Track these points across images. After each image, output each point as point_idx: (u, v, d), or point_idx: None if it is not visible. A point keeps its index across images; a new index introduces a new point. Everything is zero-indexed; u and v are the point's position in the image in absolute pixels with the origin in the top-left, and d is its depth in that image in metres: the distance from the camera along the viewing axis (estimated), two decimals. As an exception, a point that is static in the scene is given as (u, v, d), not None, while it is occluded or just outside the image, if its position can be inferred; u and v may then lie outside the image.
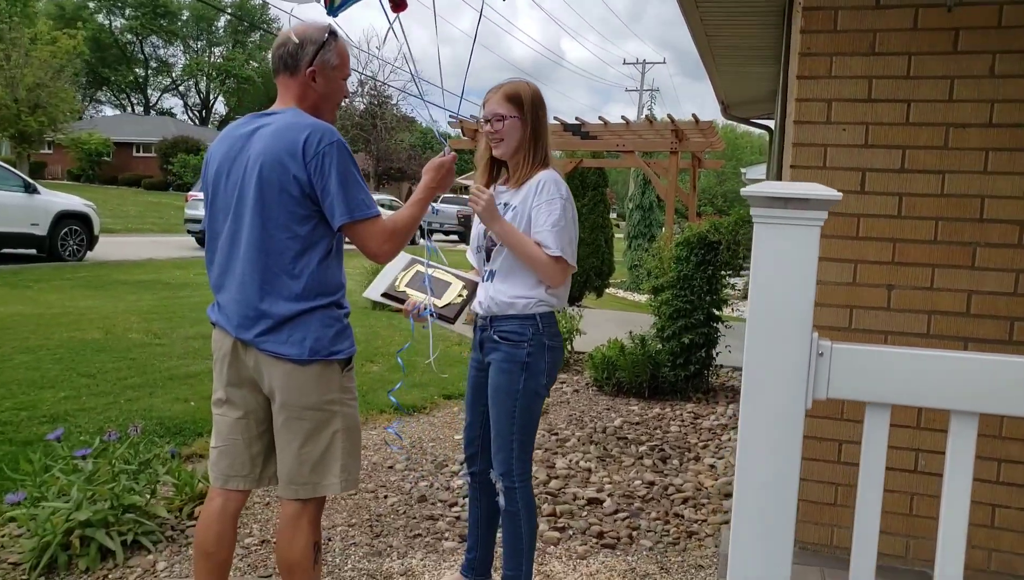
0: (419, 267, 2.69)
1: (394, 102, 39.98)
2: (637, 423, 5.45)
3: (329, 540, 3.36)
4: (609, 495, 4.06)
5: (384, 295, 2.62)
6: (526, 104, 2.40)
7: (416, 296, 2.59)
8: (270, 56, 2.20)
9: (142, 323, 7.73)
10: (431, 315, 2.55)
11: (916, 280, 2.39)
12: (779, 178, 5.58)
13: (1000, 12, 2.29)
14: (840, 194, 1.22)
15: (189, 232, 17.72)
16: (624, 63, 41.95)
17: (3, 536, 2.97)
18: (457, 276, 2.71)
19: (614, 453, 4.77)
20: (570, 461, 4.59)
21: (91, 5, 56.96)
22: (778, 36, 5.30)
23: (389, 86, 38.62)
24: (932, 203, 2.35)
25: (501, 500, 2.57)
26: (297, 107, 2.13)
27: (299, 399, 2.09)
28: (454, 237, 26.08)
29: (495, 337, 2.52)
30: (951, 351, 1.23)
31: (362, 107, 39.04)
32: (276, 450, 2.17)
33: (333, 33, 2.16)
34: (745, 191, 1.27)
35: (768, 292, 1.28)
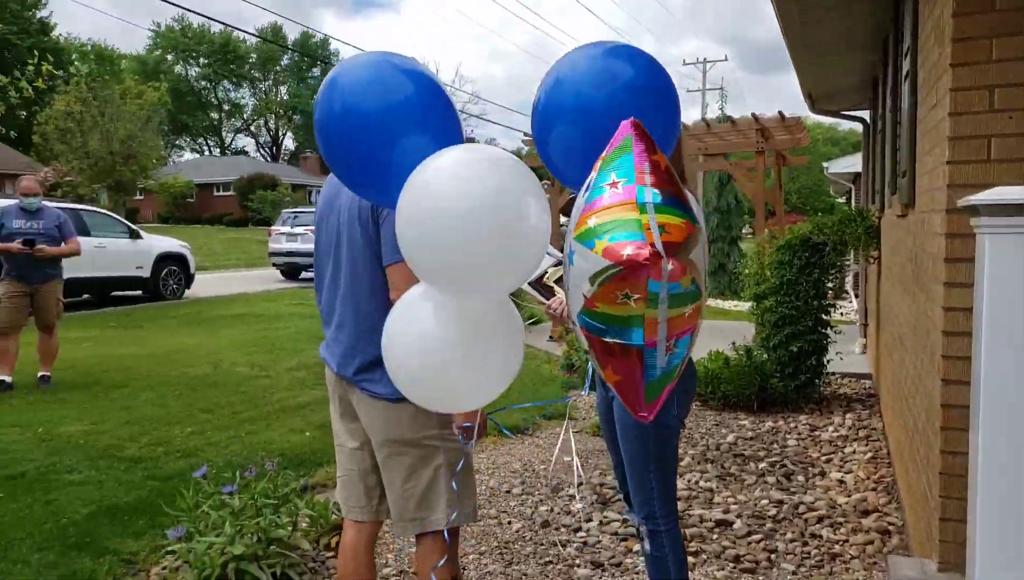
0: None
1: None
2: (751, 438, 5.26)
3: (464, 570, 3.33)
4: (737, 516, 3.89)
5: (531, 285, 2.41)
6: None
7: (563, 296, 2.38)
8: None
9: (245, 356, 7.96)
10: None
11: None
12: (884, 173, 5.32)
13: None
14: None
15: (274, 265, 18.27)
16: (684, 64, 41.09)
17: (164, 569, 3.09)
18: None
19: (733, 471, 4.59)
20: (688, 481, 4.44)
21: (169, 58, 60.15)
22: (874, 22, 5.06)
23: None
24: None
25: (646, 545, 2.36)
26: None
27: (397, 435, 2.08)
28: None
29: None
30: None
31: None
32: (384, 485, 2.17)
33: None
34: (971, 199, 1.17)
35: (1007, 306, 1.18)
